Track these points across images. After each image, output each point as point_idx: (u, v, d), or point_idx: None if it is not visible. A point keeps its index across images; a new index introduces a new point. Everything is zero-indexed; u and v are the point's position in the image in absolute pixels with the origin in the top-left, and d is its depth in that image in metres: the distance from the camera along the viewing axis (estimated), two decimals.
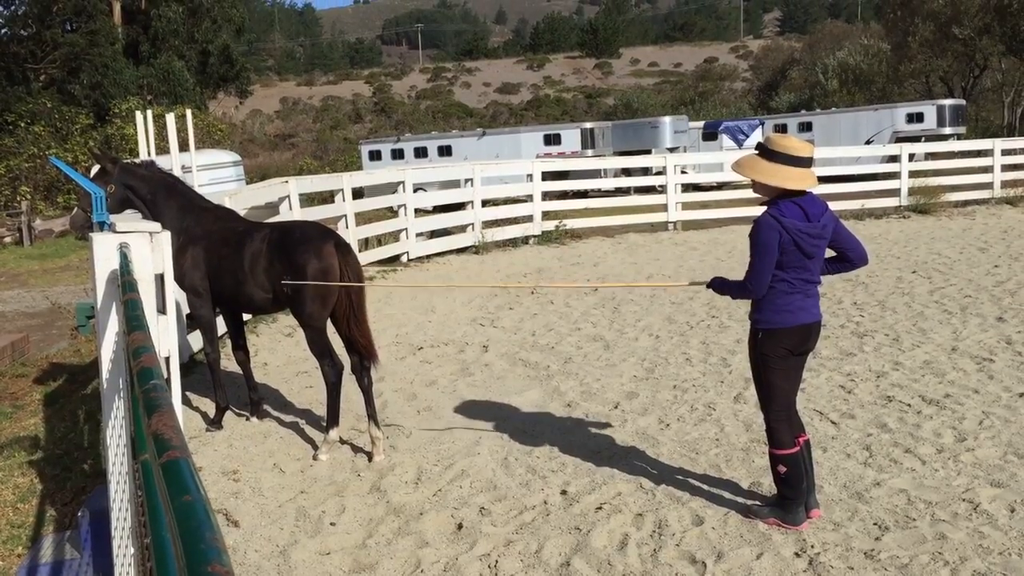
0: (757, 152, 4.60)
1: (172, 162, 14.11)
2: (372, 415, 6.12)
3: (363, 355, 6.24)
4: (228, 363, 7.89)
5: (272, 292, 6.25)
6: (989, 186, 20.32)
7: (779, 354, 4.59)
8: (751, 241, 4.51)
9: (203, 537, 1.18)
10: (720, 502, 5.08)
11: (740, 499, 5.10)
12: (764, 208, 4.61)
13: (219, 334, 7.64)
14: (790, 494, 4.66)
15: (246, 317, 8.59)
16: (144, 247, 4.18)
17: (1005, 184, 20.35)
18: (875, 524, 4.70)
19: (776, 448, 4.67)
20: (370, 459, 6.05)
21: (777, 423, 4.66)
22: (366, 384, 6.19)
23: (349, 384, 6.39)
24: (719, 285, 4.86)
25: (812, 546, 4.49)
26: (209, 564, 1.12)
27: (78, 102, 40.70)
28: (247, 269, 6.26)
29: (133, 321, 2.77)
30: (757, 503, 4.98)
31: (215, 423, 6.82)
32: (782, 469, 4.65)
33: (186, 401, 7.33)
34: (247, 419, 6.96)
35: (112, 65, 42.68)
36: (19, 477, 6.28)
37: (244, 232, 6.46)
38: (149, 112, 11.87)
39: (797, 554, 4.44)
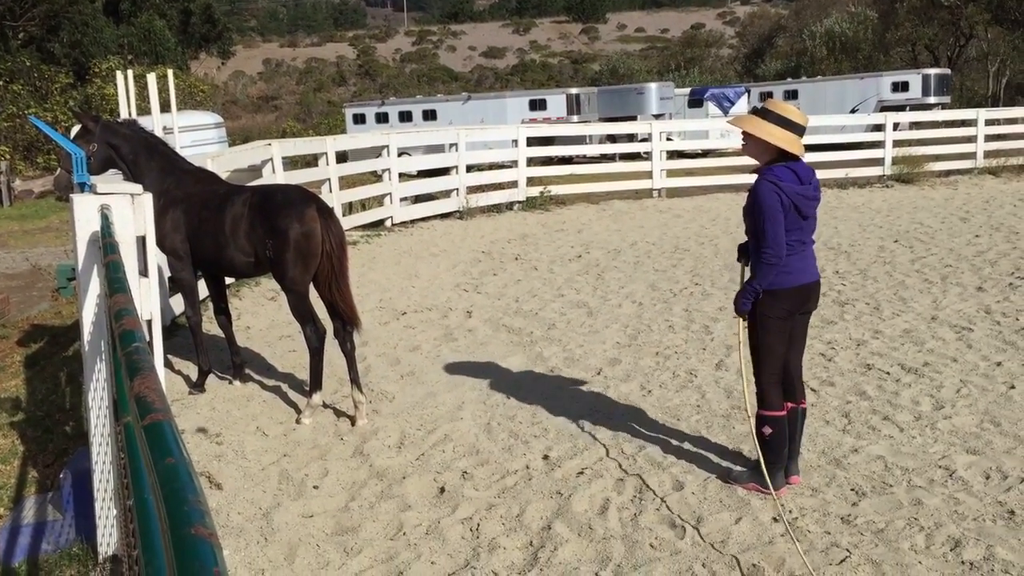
0: (757, 112, 4.71)
1: (153, 123, 13.95)
2: (355, 379, 6.13)
3: (345, 320, 6.22)
4: (211, 327, 7.86)
5: (254, 256, 6.21)
6: (972, 156, 20.38)
7: (778, 315, 4.64)
8: (758, 209, 4.52)
9: (186, 499, 1.19)
10: (700, 468, 5.13)
11: (721, 464, 5.15)
12: (755, 176, 4.65)
13: (201, 298, 7.61)
14: (771, 457, 4.69)
15: (228, 281, 8.55)
16: (126, 209, 4.15)
17: (988, 154, 20.43)
18: (852, 490, 4.77)
19: (765, 409, 4.71)
20: (353, 423, 6.07)
21: (769, 385, 4.70)
22: (349, 349, 6.19)
23: (332, 348, 6.39)
24: (745, 302, 4.68)
25: (790, 511, 4.55)
26: (192, 526, 1.12)
27: (58, 61, 40.14)
28: (228, 232, 6.20)
29: (115, 283, 2.76)
30: (737, 468, 5.04)
31: (198, 386, 6.81)
32: (767, 430, 4.69)
33: (168, 364, 7.31)
34: (230, 382, 6.96)
35: (92, 23, 42.08)
36: (0, 439, 6.26)
37: (225, 195, 6.40)
38: (130, 72, 11.73)
39: (775, 519, 4.49)
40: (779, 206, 4.47)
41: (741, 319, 4.78)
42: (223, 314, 7.03)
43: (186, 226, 6.44)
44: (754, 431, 4.76)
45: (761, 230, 4.51)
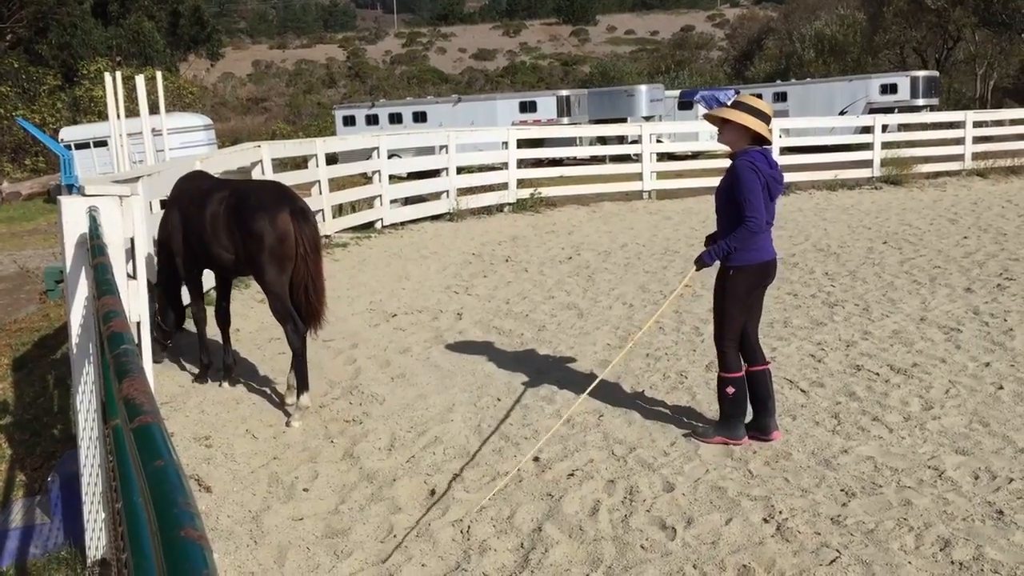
0: (730, 106, 5.30)
1: (142, 125, 13.91)
2: (301, 378, 6.19)
3: (308, 319, 6.24)
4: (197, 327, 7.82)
5: (235, 254, 6.28)
6: (960, 158, 20.46)
7: (746, 288, 5.29)
8: (738, 184, 5.05)
9: (175, 502, 1.18)
10: (690, 469, 5.14)
11: (710, 465, 5.16)
12: (731, 162, 5.24)
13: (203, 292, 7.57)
14: (734, 411, 5.36)
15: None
16: (114, 210, 4.14)
17: (976, 156, 20.49)
18: (842, 490, 4.78)
19: (726, 372, 5.39)
20: (287, 424, 6.09)
21: (729, 350, 5.37)
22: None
23: (322, 351, 6.37)
24: (709, 255, 5.27)
25: (780, 512, 4.56)
26: (182, 528, 1.11)
27: (46, 63, 39.98)
28: (209, 229, 6.30)
29: (103, 285, 2.75)
30: (701, 425, 5.60)
31: (200, 378, 6.92)
32: (730, 390, 5.36)
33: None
34: (219, 384, 6.93)
35: (81, 25, 41.92)
36: None
37: (207, 191, 6.53)
38: (118, 74, 11.70)
39: (765, 520, 4.50)
40: (758, 181, 5.04)
41: (694, 268, 5.42)
42: (224, 314, 7.03)
43: (181, 224, 6.55)
44: (718, 383, 5.50)
45: (744, 201, 5.04)
